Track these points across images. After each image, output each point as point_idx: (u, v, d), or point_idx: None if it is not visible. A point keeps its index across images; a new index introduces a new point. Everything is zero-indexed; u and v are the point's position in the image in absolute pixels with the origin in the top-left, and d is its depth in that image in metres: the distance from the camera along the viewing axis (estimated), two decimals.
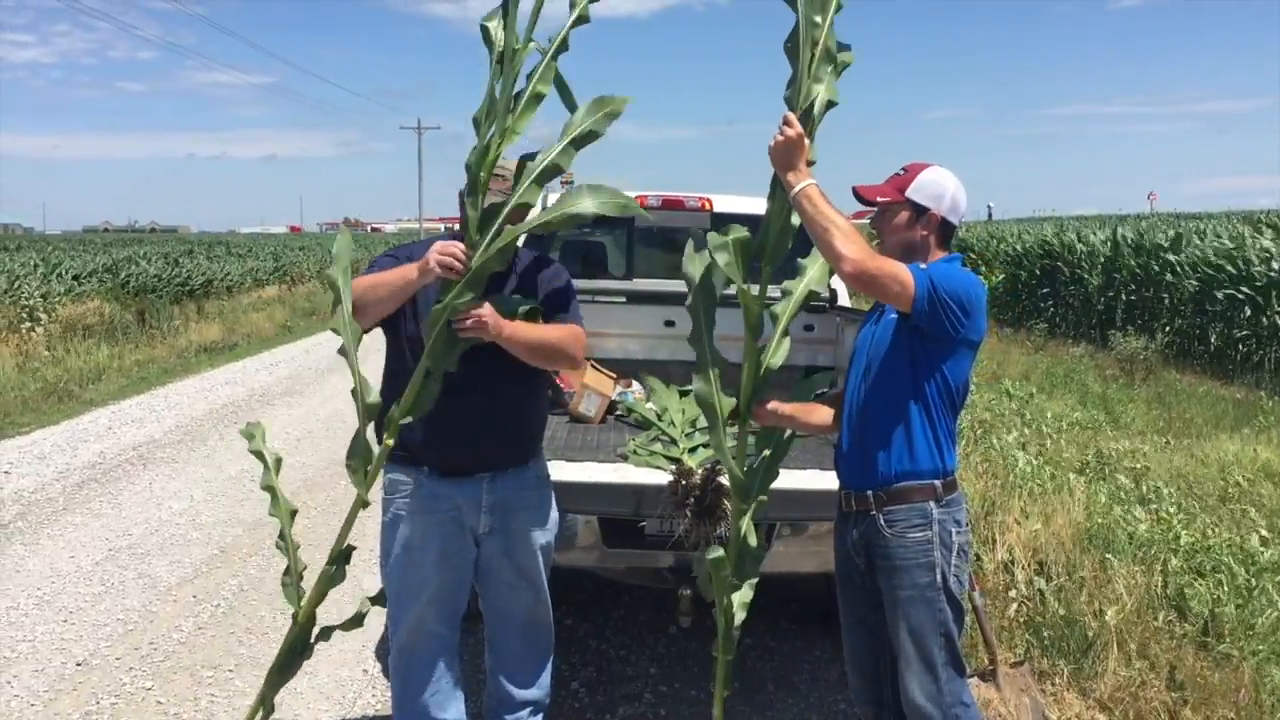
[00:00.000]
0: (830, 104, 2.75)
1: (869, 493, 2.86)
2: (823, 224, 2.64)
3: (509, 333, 2.86)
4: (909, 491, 2.81)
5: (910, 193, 2.85)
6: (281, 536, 2.96)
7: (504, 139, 2.75)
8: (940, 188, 2.85)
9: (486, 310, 2.78)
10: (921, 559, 2.79)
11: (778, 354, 2.82)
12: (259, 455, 3.05)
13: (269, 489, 3.01)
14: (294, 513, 3.01)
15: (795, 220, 2.77)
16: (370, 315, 2.94)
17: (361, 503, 2.82)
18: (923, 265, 2.74)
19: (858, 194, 2.93)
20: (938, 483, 2.81)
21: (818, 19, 2.70)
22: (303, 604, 2.90)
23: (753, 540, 2.85)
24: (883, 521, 2.83)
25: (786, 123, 2.70)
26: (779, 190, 2.76)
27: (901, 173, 2.91)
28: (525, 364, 3.09)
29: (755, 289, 2.76)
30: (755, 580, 2.89)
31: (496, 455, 3.07)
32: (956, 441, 2.91)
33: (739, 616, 2.84)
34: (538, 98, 2.77)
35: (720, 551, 2.84)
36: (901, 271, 2.68)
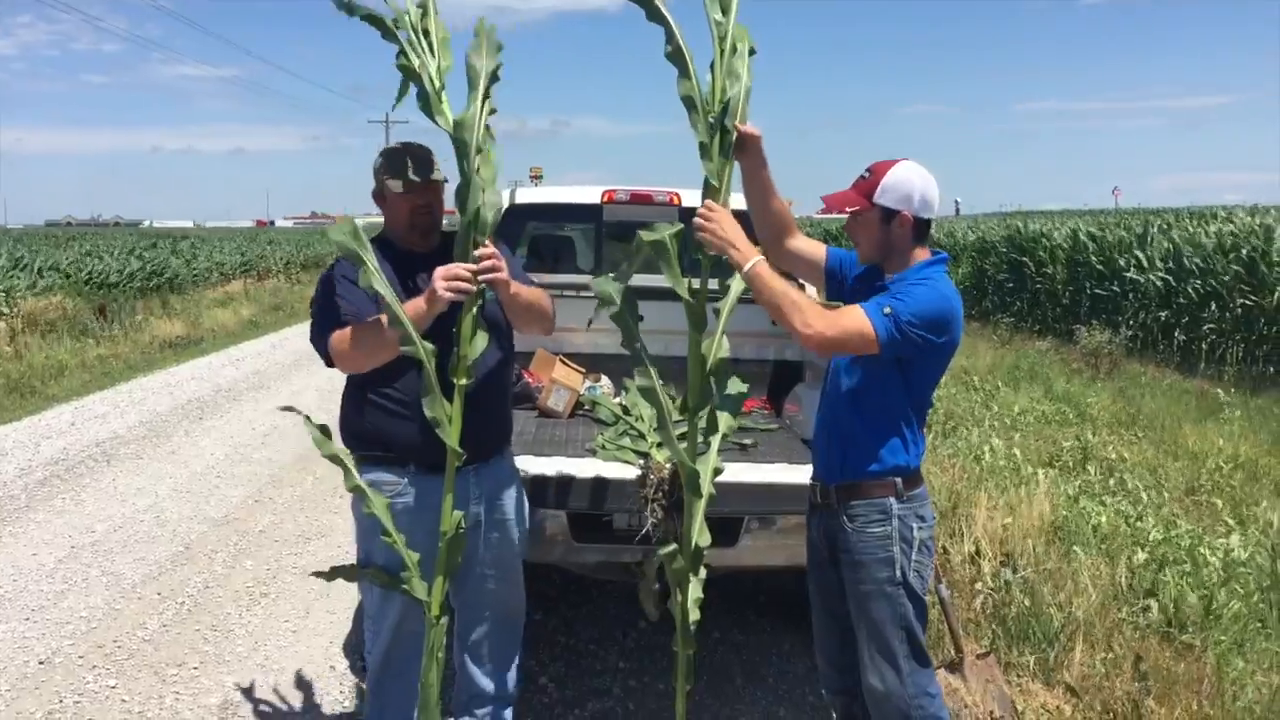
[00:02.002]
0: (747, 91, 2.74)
1: (833, 487, 2.89)
2: (775, 302, 2.66)
3: (515, 288, 2.90)
4: (870, 487, 2.83)
5: (878, 198, 2.78)
6: None
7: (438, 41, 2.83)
8: (908, 186, 2.78)
9: (496, 252, 2.81)
10: (881, 554, 2.81)
11: (720, 348, 2.80)
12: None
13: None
14: None
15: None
16: (378, 360, 2.88)
17: (457, 455, 2.79)
18: (886, 310, 2.66)
19: (826, 204, 2.90)
20: (899, 479, 2.83)
21: (718, 18, 2.71)
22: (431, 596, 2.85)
23: (705, 538, 2.84)
24: (844, 516, 2.86)
25: (704, 213, 2.67)
26: (707, 182, 2.73)
27: (867, 175, 2.83)
28: (500, 356, 3.07)
29: (698, 282, 2.76)
30: (703, 578, 2.89)
31: (482, 446, 3.03)
32: (922, 438, 2.92)
33: (693, 613, 2.85)
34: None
35: (674, 546, 2.85)
36: (861, 324, 2.65)
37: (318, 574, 3.07)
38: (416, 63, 2.77)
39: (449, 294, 2.74)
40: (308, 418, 2.92)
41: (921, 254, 2.85)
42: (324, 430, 2.92)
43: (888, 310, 2.66)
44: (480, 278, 2.77)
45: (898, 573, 2.81)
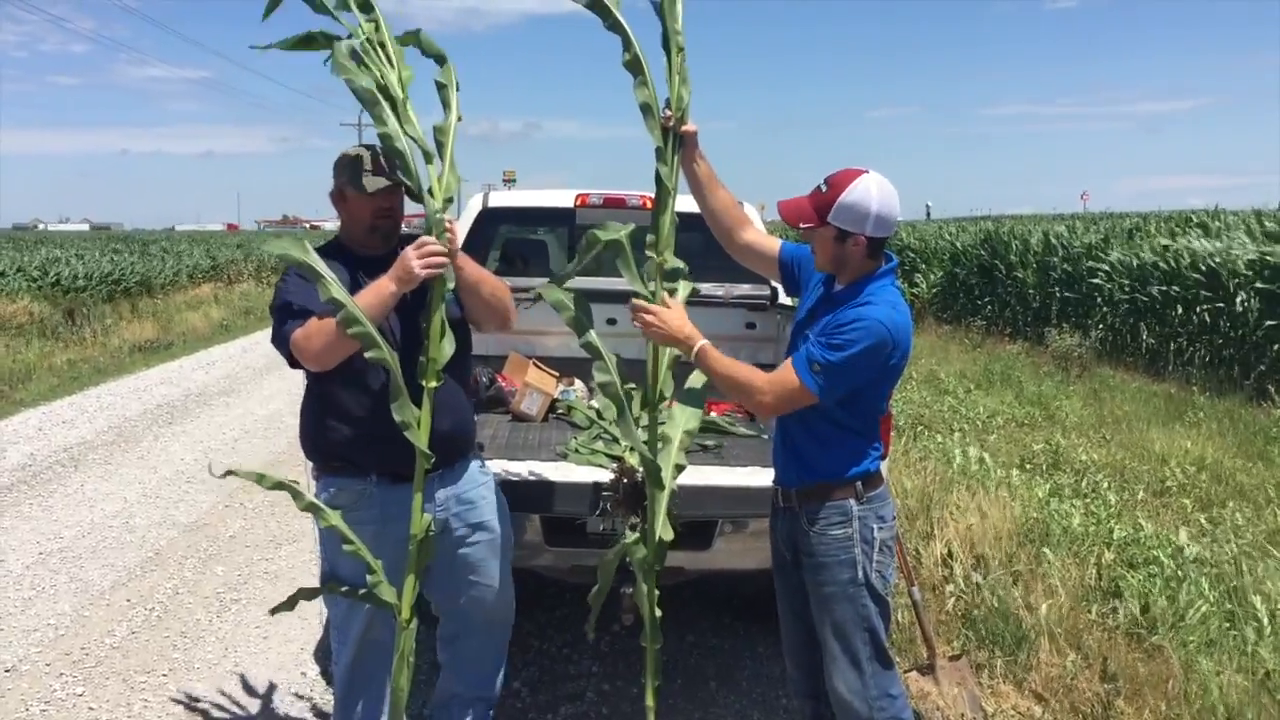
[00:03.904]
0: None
1: (793, 490, 2.91)
2: (727, 383, 2.81)
3: (469, 264, 2.96)
4: (830, 490, 2.85)
5: (832, 218, 2.73)
6: None
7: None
8: (863, 209, 2.70)
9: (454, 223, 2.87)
10: (842, 556, 2.83)
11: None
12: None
13: None
14: None
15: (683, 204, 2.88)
16: (344, 353, 2.79)
17: (426, 458, 2.82)
18: (815, 367, 2.68)
19: (781, 212, 2.85)
20: (859, 481, 2.85)
21: (677, 26, 2.79)
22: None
23: (668, 531, 2.88)
24: (805, 519, 2.87)
25: (642, 314, 2.79)
26: (661, 182, 2.80)
27: (824, 188, 2.76)
28: (462, 360, 3.04)
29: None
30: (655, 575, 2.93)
31: (446, 452, 3.00)
32: (878, 441, 2.93)
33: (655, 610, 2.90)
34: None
35: (636, 535, 2.91)
36: (796, 382, 2.71)
37: (277, 609, 3.05)
38: (378, 75, 2.83)
39: (425, 271, 2.72)
40: (267, 481, 2.92)
41: (869, 267, 2.81)
42: (260, 476, 2.89)
43: (817, 368, 2.69)
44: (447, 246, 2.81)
45: (860, 574, 2.83)
